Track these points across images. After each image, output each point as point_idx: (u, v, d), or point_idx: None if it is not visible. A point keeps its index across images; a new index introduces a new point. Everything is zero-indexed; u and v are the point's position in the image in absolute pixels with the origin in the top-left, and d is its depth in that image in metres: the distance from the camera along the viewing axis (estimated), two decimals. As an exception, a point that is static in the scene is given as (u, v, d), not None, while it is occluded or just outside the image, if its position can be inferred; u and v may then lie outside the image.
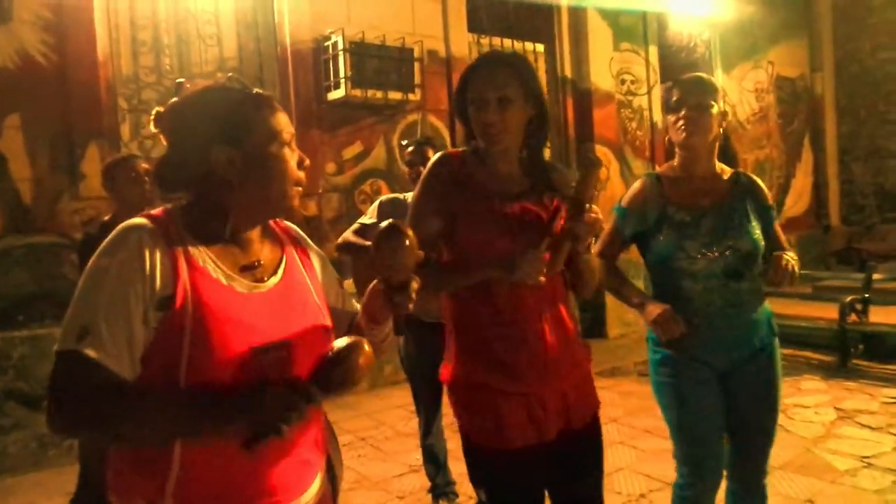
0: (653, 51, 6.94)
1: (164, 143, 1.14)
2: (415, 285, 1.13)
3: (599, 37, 6.50)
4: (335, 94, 4.81)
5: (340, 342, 1.09)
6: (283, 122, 1.14)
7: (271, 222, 1.23)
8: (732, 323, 1.94)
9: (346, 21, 4.89)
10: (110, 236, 1.07)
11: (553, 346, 1.57)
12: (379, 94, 4.88)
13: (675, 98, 1.93)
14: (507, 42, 6.04)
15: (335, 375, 1.05)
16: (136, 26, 4.35)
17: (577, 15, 6.44)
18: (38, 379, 3.84)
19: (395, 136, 5.25)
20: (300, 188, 1.16)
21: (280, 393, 1.00)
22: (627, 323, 6.25)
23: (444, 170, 1.61)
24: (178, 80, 2.39)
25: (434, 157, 1.65)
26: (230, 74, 1.16)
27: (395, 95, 4.98)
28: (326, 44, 4.84)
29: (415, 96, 5.12)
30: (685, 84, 1.94)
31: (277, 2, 4.81)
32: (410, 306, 1.13)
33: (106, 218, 2.50)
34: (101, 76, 4.10)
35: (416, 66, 5.11)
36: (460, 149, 1.70)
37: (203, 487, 1.04)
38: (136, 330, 1.01)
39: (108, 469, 1.09)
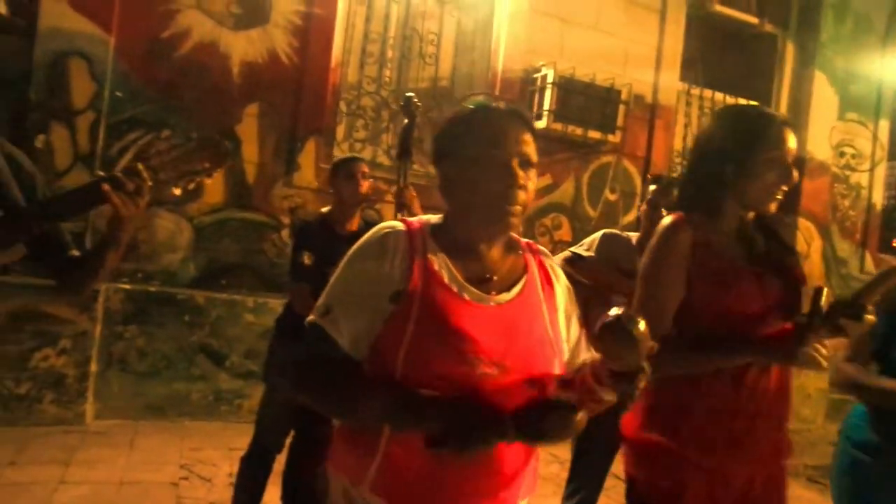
0: (883, 125, 6.28)
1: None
2: (643, 378, 1.03)
3: (823, 102, 6.00)
4: (536, 125, 4.87)
5: (560, 395, 1.07)
6: (511, 138, 1.16)
7: (524, 243, 1.27)
8: None
9: (558, 55, 4.95)
10: (369, 233, 1.19)
11: (768, 427, 1.46)
12: (579, 131, 4.88)
13: None
14: (720, 96, 5.78)
15: (535, 423, 1.03)
16: (367, 39, 4.74)
17: (802, 76, 6.01)
18: (227, 338, 4.26)
19: (586, 174, 5.21)
20: (518, 206, 1.15)
21: (479, 416, 1.02)
22: (802, 419, 5.65)
23: (683, 236, 1.52)
24: (407, 94, 2.57)
25: (667, 221, 1.56)
26: (486, 92, 1.22)
27: (594, 134, 4.96)
28: (536, 75, 4.94)
29: (614, 138, 5.05)
30: None
31: (496, 30, 5.01)
32: (637, 395, 1.06)
33: (324, 210, 2.72)
34: (329, 80, 4.51)
35: (621, 108, 5.05)
36: (680, 211, 1.61)
37: (400, 480, 1.09)
38: (368, 317, 1.11)
39: (333, 439, 1.19)
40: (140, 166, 1.35)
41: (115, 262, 1.46)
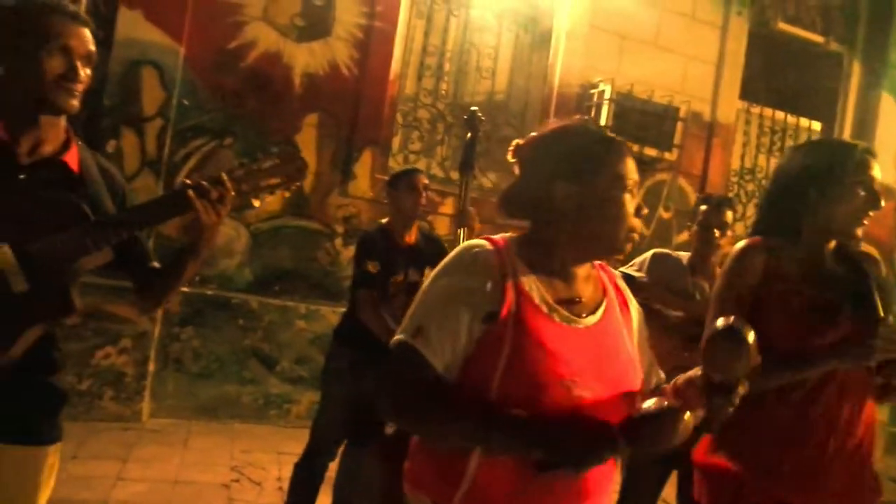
0: (954, 149, 6.02)
1: (516, 172, 1.22)
2: (741, 391, 1.05)
3: (891, 125, 5.80)
4: (590, 141, 4.84)
5: (651, 402, 1.06)
6: (630, 169, 1.16)
7: (598, 265, 1.26)
8: None
9: (616, 72, 4.91)
10: (455, 253, 1.18)
11: (847, 460, 1.41)
12: (635, 148, 4.81)
13: None
14: (780, 115, 5.65)
15: (646, 432, 1.03)
16: (426, 52, 4.79)
17: (868, 97, 5.82)
18: (278, 344, 4.33)
19: (640, 191, 5.12)
20: (635, 234, 1.17)
21: (588, 434, 1.01)
22: None
23: (756, 260, 1.53)
24: (471, 108, 2.58)
25: (741, 244, 1.57)
26: (586, 117, 1.22)
27: (650, 152, 4.89)
28: (593, 91, 4.91)
29: (671, 155, 4.98)
30: None
31: (554, 45, 5.00)
32: (730, 410, 1.06)
33: (383, 221, 2.75)
34: (387, 92, 4.56)
35: (679, 125, 4.98)
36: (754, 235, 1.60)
37: (489, 502, 1.08)
38: (461, 338, 1.10)
39: (409, 457, 1.19)
40: (224, 176, 1.38)
41: (193, 272, 1.49)
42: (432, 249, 2.79)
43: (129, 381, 3.95)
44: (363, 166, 4.49)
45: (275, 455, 3.84)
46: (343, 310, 4.49)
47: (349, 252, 4.52)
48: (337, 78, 4.42)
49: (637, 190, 1.18)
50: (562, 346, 1.10)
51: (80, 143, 1.44)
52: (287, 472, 3.63)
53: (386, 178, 4.53)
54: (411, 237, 2.71)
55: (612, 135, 1.19)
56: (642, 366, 1.24)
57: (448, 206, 4.57)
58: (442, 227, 4.55)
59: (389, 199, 2.72)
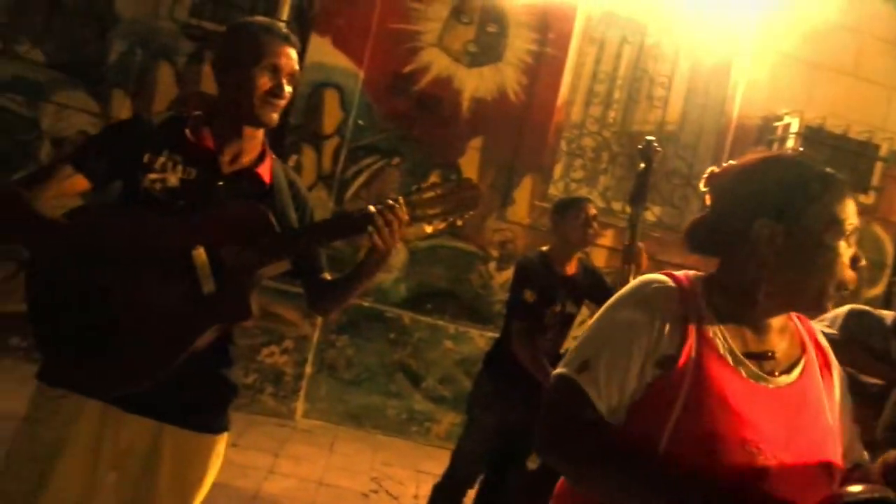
0: None
1: (707, 202, 1.12)
2: None
3: None
4: (770, 178, 4.46)
5: (858, 487, 0.91)
6: (849, 212, 1.00)
7: (796, 317, 1.12)
8: None
9: (805, 104, 4.49)
10: (632, 286, 1.08)
11: None
12: (823, 188, 4.36)
13: None
14: None
15: None
16: (595, 79, 4.69)
17: None
18: (425, 361, 4.40)
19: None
20: (846, 289, 1.01)
21: None
22: None
23: None
24: (647, 138, 2.45)
25: None
26: (800, 149, 1.07)
27: (842, 193, 4.40)
28: (776, 124, 4.52)
29: (867, 198, 4.44)
30: None
31: (735, 73, 4.68)
32: None
33: (544, 249, 2.68)
34: (553, 119, 4.52)
35: (878, 165, 4.44)
36: None
37: None
38: (630, 380, 1.00)
39: (554, 498, 1.11)
40: (401, 200, 1.40)
41: (363, 290, 1.53)
42: (592, 282, 2.68)
43: (288, 381, 4.19)
44: (523, 192, 4.47)
45: (413, 472, 3.88)
46: (491, 335, 4.54)
47: (502, 277, 4.50)
48: (504, 103, 4.45)
49: (854, 237, 1.02)
50: (747, 406, 0.97)
51: (273, 155, 1.54)
52: (424, 490, 3.66)
53: (545, 205, 4.49)
54: (572, 267, 2.62)
55: (832, 171, 1.03)
56: (843, 439, 1.07)
57: (608, 239, 4.41)
58: (599, 259, 4.39)
59: (554, 227, 2.65)
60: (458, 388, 4.40)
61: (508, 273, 4.52)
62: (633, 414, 1.00)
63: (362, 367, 4.38)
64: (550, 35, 4.44)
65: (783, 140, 4.43)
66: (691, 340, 1.00)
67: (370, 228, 1.37)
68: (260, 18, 1.46)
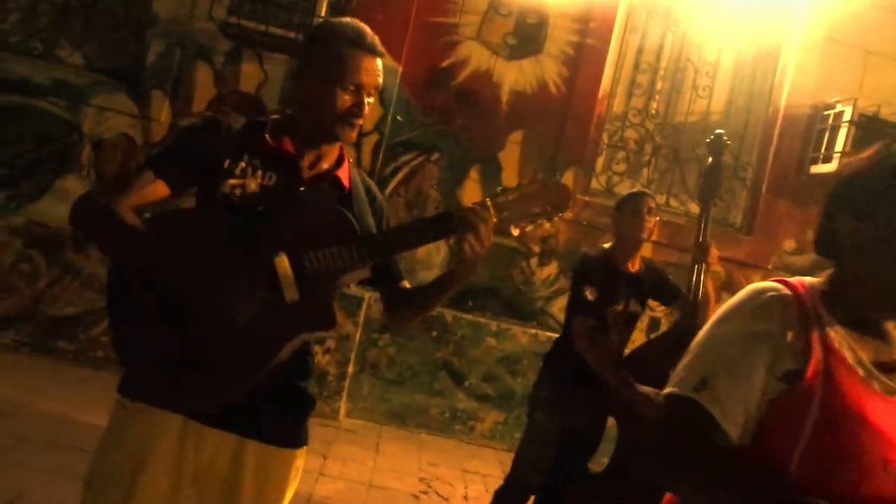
0: None
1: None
2: None
3: None
4: (821, 168, 4.32)
5: None
6: None
7: None
8: None
9: (857, 91, 4.35)
10: (742, 296, 1.01)
11: None
12: (879, 178, 4.21)
13: None
14: None
15: None
16: (638, 69, 4.57)
17: None
18: (468, 359, 4.34)
19: None
20: None
21: None
22: None
23: None
24: (717, 131, 2.35)
25: None
26: (889, 142, 0.99)
27: (898, 183, 4.24)
28: (827, 112, 4.38)
29: (924, 188, 4.28)
30: None
31: (783, 61, 4.55)
32: None
33: (606, 246, 2.60)
34: (595, 111, 4.42)
35: (936, 153, 4.27)
36: None
37: None
38: (753, 397, 0.94)
39: None
40: (488, 201, 1.33)
41: (446, 300, 1.46)
42: (655, 280, 2.60)
43: (331, 381, 4.16)
44: (565, 186, 4.37)
45: (460, 472, 3.83)
46: (534, 331, 4.47)
47: (544, 273, 4.43)
48: (544, 96, 4.37)
49: None
50: (886, 423, 0.90)
51: (351, 160, 1.48)
52: (473, 491, 3.62)
53: (587, 198, 4.40)
54: (634, 265, 2.54)
55: None
56: None
57: (654, 234, 4.30)
58: (644, 253, 4.28)
59: (613, 224, 2.58)
60: (501, 386, 4.34)
61: (550, 269, 4.45)
62: (759, 434, 0.94)
63: (405, 366, 4.33)
64: (592, 25, 4.34)
65: (835, 129, 4.29)
66: (817, 351, 0.93)
67: (470, 227, 1.30)
68: (346, 25, 1.35)
